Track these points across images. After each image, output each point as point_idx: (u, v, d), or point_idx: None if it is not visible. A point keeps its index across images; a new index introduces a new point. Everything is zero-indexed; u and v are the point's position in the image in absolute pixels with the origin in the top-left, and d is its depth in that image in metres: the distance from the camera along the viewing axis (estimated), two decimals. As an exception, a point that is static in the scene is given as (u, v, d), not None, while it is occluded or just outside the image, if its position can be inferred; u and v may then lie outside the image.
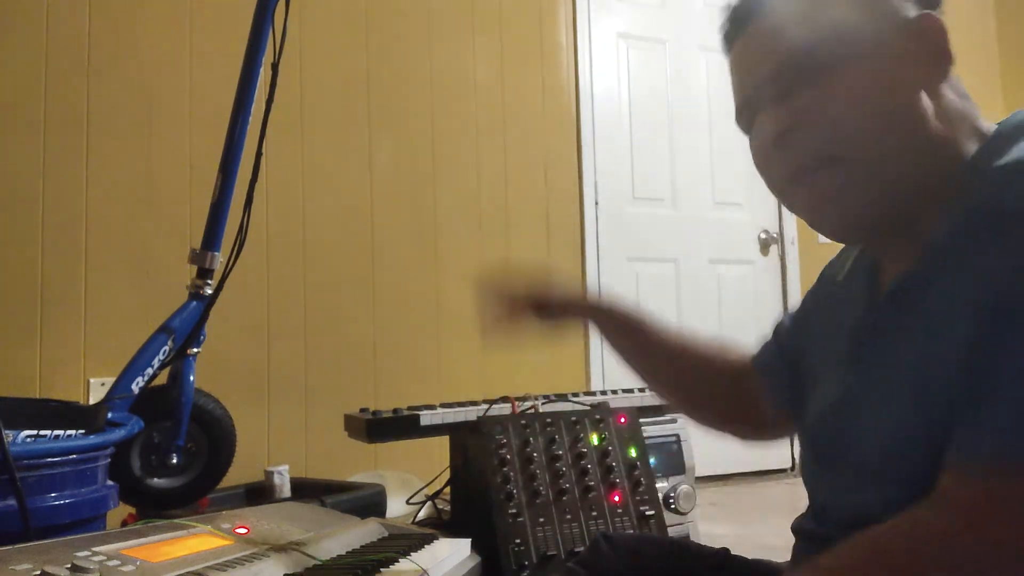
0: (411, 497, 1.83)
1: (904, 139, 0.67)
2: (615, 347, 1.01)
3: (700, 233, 3.27)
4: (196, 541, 0.90)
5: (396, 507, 2.09)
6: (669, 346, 0.98)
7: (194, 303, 1.81)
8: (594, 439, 1.42)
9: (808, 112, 0.68)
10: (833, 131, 0.67)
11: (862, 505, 0.66)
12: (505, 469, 1.33)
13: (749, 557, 0.89)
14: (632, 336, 0.99)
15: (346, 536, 1.07)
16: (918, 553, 0.56)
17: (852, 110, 0.67)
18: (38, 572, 0.68)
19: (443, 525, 1.60)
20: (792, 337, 0.90)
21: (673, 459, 1.73)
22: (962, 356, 0.59)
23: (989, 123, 0.70)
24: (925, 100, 0.67)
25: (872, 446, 0.67)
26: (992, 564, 0.54)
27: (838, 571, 0.59)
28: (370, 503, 1.99)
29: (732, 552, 0.89)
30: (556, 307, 0.99)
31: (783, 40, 0.70)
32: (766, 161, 0.73)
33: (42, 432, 1.21)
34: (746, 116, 0.75)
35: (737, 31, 0.74)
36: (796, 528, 0.79)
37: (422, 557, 1.00)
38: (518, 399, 1.54)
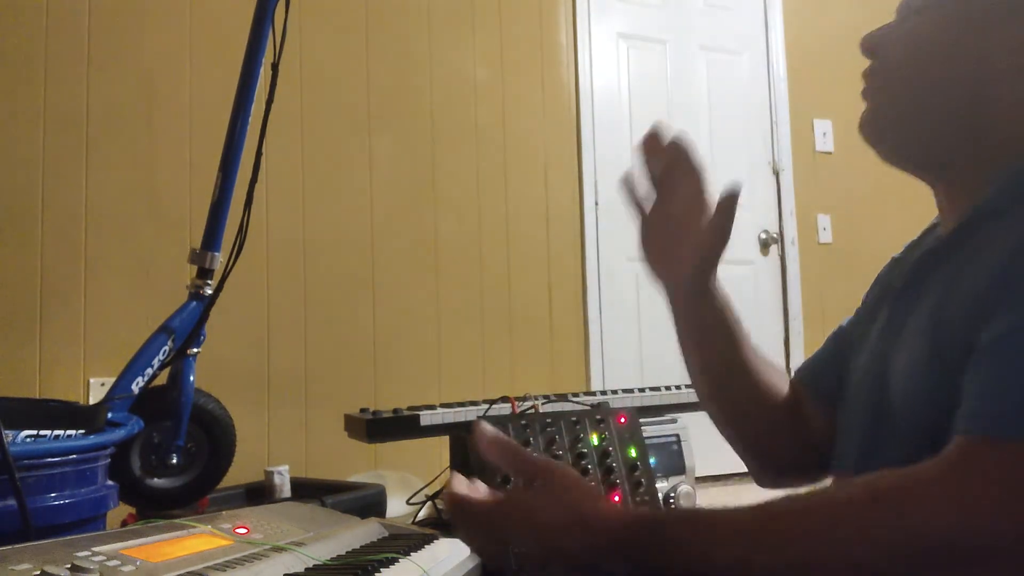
0: (411, 497, 1.83)
1: (956, 86, 0.72)
2: (696, 322, 0.92)
3: (700, 233, 3.26)
4: (196, 541, 0.90)
5: (396, 507, 2.09)
6: (745, 350, 0.92)
7: (194, 303, 1.81)
8: (594, 439, 1.42)
9: (893, 38, 0.77)
10: (899, 56, 0.76)
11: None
12: (505, 469, 1.33)
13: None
14: (720, 318, 0.91)
15: (346, 536, 1.07)
16: (903, 490, 0.57)
17: (916, 47, 0.74)
18: (38, 572, 0.67)
19: (443, 525, 1.60)
20: (851, 329, 0.91)
21: (673, 459, 1.73)
22: (970, 315, 0.61)
23: None
24: (1000, 62, 0.71)
25: (896, 399, 0.69)
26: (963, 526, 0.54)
27: (830, 505, 0.61)
28: (370, 503, 1.99)
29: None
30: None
31: None
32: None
33: (42, 432, 1.21)
34: None
35: None
36: None
37: (422, 557, 1.00)
38: (518, 399, 1.53)
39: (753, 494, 0.71)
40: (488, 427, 0.75)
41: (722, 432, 0.96)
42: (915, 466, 0.57)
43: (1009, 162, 0.70)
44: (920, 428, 0.66)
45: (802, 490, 0.66)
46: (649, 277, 0.95)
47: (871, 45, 0.79)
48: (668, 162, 0.92)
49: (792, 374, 0.97)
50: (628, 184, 0.95)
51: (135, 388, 1.70)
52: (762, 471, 0.95)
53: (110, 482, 1.32)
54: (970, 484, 0.54)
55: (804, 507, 0.61)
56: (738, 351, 0.92)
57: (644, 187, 0.94)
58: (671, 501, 1.67)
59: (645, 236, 0.95)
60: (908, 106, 0.75)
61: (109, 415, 1.50)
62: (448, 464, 1.58)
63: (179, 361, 1.78)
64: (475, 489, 0.73)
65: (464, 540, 0.76)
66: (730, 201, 0.88)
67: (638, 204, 0.95)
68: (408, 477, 2.32)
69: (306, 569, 0.89)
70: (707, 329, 0.92)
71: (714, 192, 0.92)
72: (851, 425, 0.79)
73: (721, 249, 0.89)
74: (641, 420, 1.49)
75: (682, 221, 0.91)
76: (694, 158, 0.91)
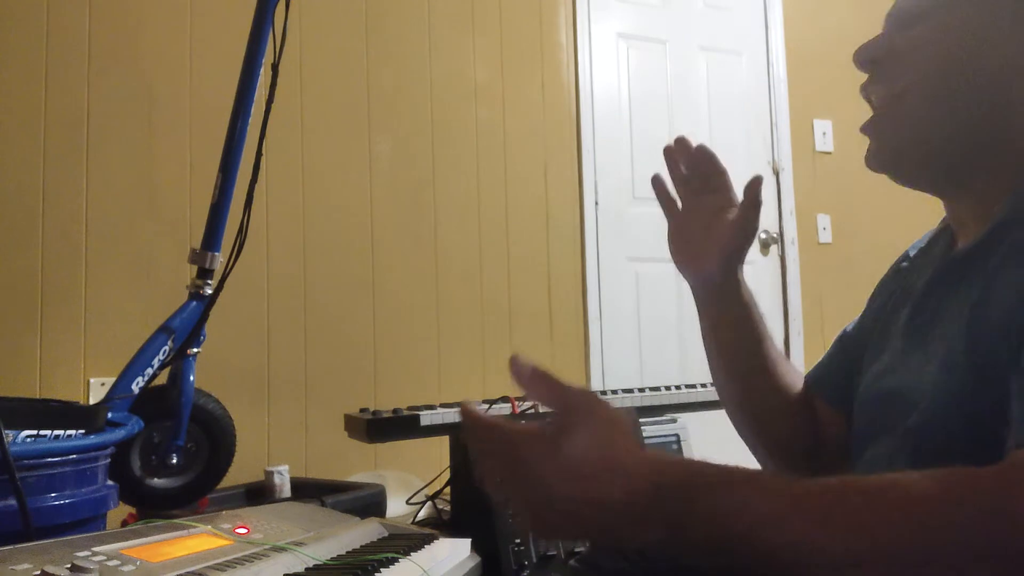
0: (411, 497, 1.83)
1: (974, 97, 0.69)
2: (721, 318, 0.92)
3: (700, 233, 3.26)
4: (196, 541, 0.90)
5: (396, 507, 2.09)
6: (768, 348, 0.93)
7: (194, 303, 1.81)
8: (594, 439, 1.42)
9: (896, 48, 0.73)
10: (906, 69, 0.71)
11: None
12: (505, 469, 1.33)
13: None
14: (744, 314, 0.92)
15: (346, 536, 1.07)
16: (953, 503, 0.50)
17: (929, 55, 0.70)
18: (38, 572, 0.68)
19: (443, 525, 1.60)
20: (858, 334, 0.91)
21: (673, 459, 1.73)
22: (1006, 330, 0.59)
23: None
24: (1022, 61, 0.68)
25: (923, 407, 0.67)
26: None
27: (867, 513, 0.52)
28: (370, 503, 1.99)
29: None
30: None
31: None
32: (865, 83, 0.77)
33: (42, 432, 1.21)
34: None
35: None
36: None
37: (422, 557, 1.00)
38: (518, 399, 1.53)
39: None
40: (523, 362, 0.65)
41: (742, 434, 0.96)
42: (976, 471, 0.51)
43: None
44: (950, 435, 0.63)
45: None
46: (679, 273, 0.96)
47: (870, 57, 0.74)
48: (694, 164, 0.93)
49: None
50: (658, 184, 0.97)
51: (135, 388, 1.70)
52: (775, 456, 0.95)
53: (110, 482, 1.32)
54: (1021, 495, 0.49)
55: (876, 489, 0.53)
56: (761, 348, 0.92)
57: (672, 189, 0.98)
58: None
59: (675, 235, 0.96)
60: (924, 124, 0.71)
61: (109, 415, 1.50)
62: (448, 464, 1.58)
63: (179, 361, 1.78)
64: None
65: (481, 471, 0.65)
66: (754, 192, 0.89)
67: (669, 203, 0.97)
68: (408, 477, 2.32)
69: (306, 569, 0.89)
70: (731, 325, 0.92)
71: (738, 191, 0.94)
72: (869, 431, 0.77)
73: (747, 243, 0.91)
74: (641, 420, 1.49)
75: (710, 219, 0.92)
76: (718, 161, 0.93)
